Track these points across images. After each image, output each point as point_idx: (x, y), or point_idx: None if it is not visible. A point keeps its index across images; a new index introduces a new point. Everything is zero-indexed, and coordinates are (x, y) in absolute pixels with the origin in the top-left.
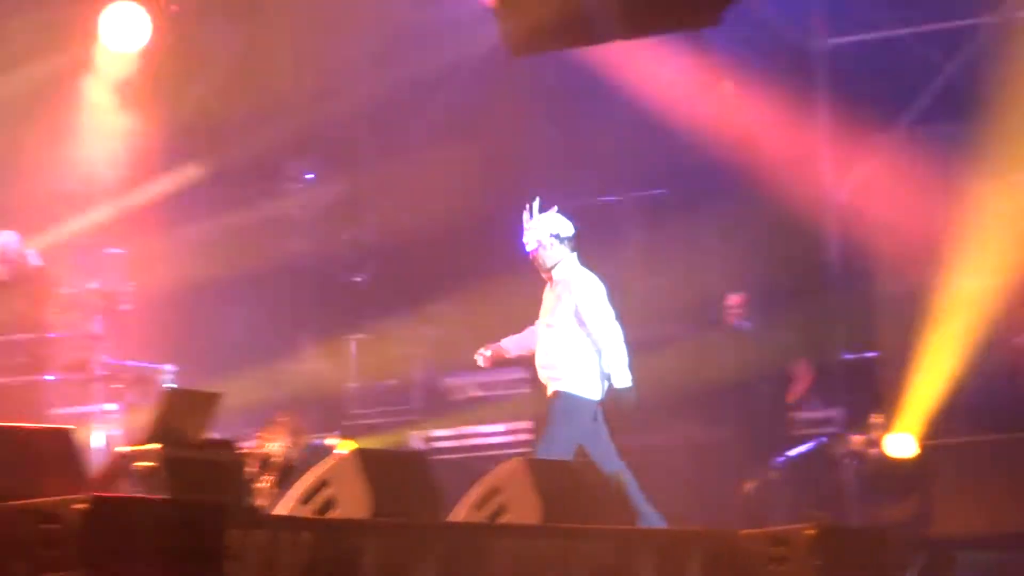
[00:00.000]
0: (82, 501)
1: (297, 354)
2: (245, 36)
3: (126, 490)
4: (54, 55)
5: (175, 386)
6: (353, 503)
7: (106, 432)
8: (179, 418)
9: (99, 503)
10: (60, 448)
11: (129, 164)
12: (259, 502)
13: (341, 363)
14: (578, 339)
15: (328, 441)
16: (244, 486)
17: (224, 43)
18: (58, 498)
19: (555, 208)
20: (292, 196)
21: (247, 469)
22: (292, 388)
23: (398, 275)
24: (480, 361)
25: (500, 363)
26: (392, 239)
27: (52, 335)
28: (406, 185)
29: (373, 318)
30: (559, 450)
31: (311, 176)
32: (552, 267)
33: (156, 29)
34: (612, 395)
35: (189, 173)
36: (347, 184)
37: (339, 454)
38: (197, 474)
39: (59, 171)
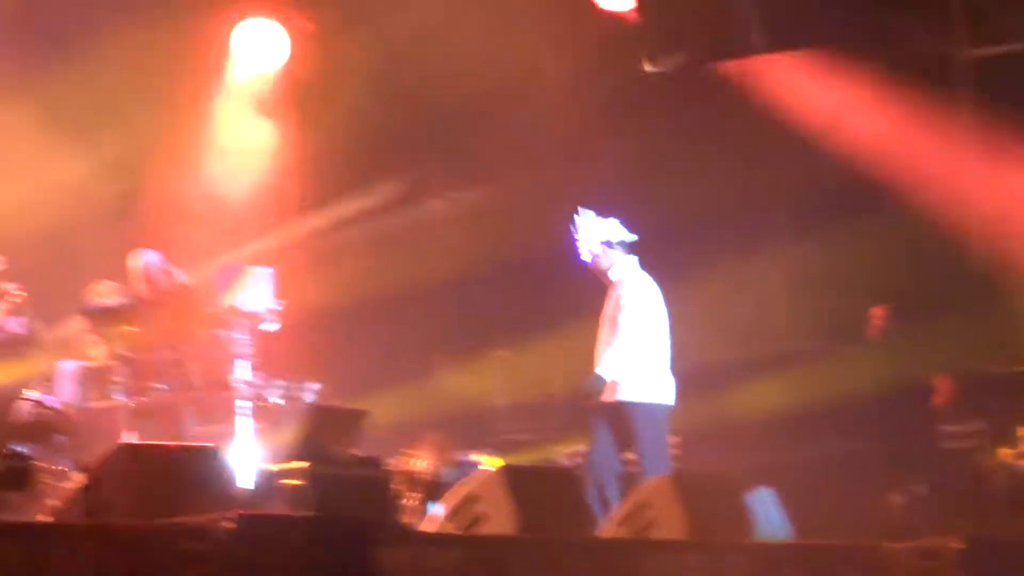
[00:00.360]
0: (229, 519)
1: (442, 371)
2: (383, 52)
3: (273, 508)
4: (189, 73)
5: (321, 404)
6: (500, 519)
7: (252, 450)
8: (325, 436)
9: (246, 521)
10: (207, 466)
11: (269, 183)
12: (406, 519)
13: (487, 380)
14: (634, 344)
15: (474, 458)
16: (391, 503)
17: (362, 59)
18: (205, 516)
19: (598, 215)
20: (436, 212)
21: (394, 486)
22: (438, 405)
23: (542, 291)
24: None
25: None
26: (535, 255)
27: (197, 352)
28: (547, 200)
29: (518, 335)
30: (654, 459)
31: (454, 193)
32: (608, 272)
33: (293, 46)
34: (585, 377)
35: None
36: (490, 199)
37: (486, 471)
38: (344, 491)
39: (198, 190)
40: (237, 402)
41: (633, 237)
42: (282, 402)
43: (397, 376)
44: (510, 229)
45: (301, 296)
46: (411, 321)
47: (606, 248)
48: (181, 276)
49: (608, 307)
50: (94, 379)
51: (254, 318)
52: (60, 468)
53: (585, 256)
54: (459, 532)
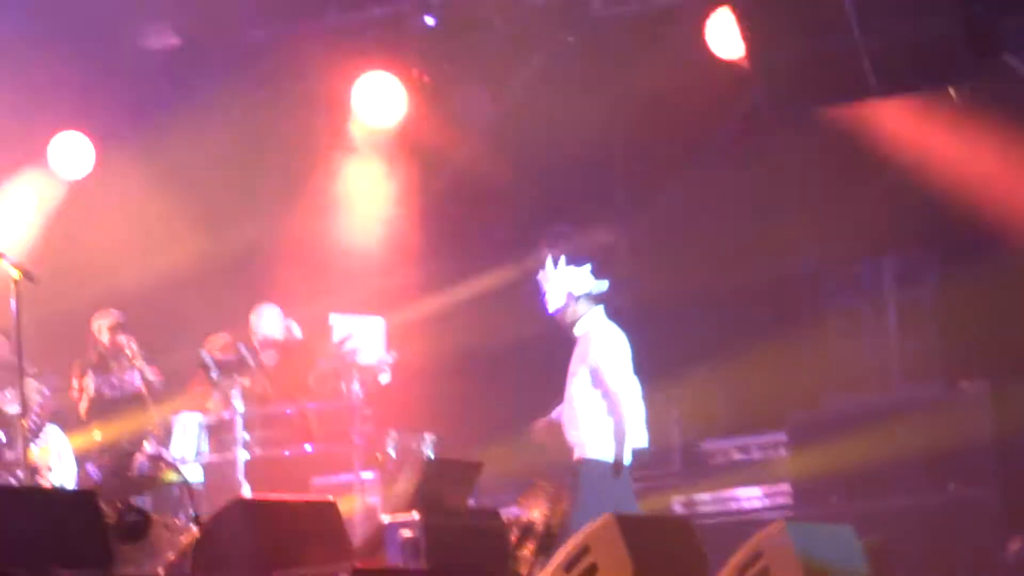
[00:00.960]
0: (344, 572)
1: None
2: (498, 102)
3: (388, 560)
4: (309, 128)
5: (435, 455)
6: (615, 569)
7: (367, 501)
8: (440, 487)
9: (360, 573)
10: (324, 519)
11: (388, 236)
12: (522, 570)
13: None
14: (595, 400)
15: None
16: (507, 554)
17: (477, 110)
18: (320, 569)
19: (567, 261)
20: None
21: (509, 537)
22: (551, 455)
23: (653, 340)
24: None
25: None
26: (648, 304)
27: (313, 406)
28: (662, 248)
29: None
30: (589, 518)
31: (567, 241)
32: (573, 325)
33: (411, 100)
34: (635, 455)
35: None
36: (602, 248)
37: (600, 521)
38: (459, 542)
39: (320, 244)
40: (354, 454)
41: (603, 286)
42: (397, 454)
43: (511, 427)
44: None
45: (416, 349)
46: (526, 372)
47: (571, 300)
48: (297, 330)
49: (573, 362)
50: (212, 432)
51: (369, 370)
52: (177, 522)
53: (552, 306)
54: None
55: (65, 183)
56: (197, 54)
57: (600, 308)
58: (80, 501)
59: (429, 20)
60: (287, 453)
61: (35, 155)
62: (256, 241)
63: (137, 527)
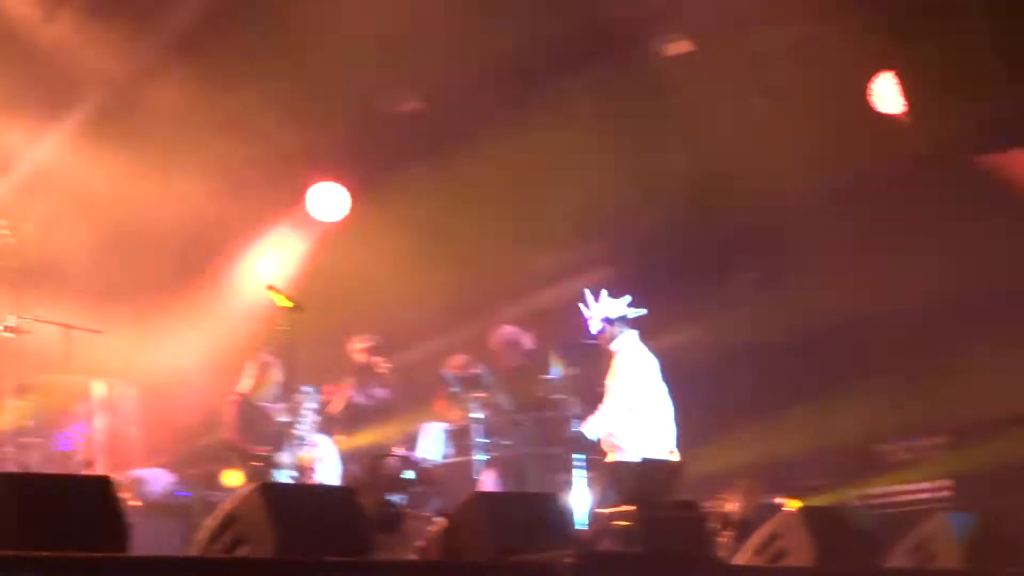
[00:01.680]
0: (570, 556)
1: (749, 425)
2: (691, 164)
3: (608, 546)
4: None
5: (648, 457)
6: (800, 553)
7: (587, 496)
8: (652, 483)
9: (586, 558)
10: (549, 511)
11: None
12: (721, 554)
13: (788, 433)
14: (625, 411)
15: (778, 501)
16: (709, 540)
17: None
18: (549, 554)
19: (606, 293)
20: (739, 291)
21: (710, 525)
22: (747, 455)
23: (833, 356)
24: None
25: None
26: (828, 323)
27: (539, 414)
28: (844, 277)
29: (813, 392)
30: None
31: (754, 275)
32: (609, 345)
33: None
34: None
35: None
36: (788, 276)
37: (788, 512)
38: (668, 530)
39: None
40: (573, 455)
41: (638, 313)
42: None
43: (713, 430)
44: (806, 302)
45: None
46: (725, 382)
47: (607, 324)
48: (531, 344)
49: (608, 377)
50: (453, 437)
51: (589, 381)
52: (425, 514)
53: (592, 330)
54: (766, 564)
55: (322, 226)
56: (438, 117)
57: (635, 332)
58: (344, 497)
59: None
60: (517, 455)
61: (296, 202)
62: (485, 275)
63: (392, 519)
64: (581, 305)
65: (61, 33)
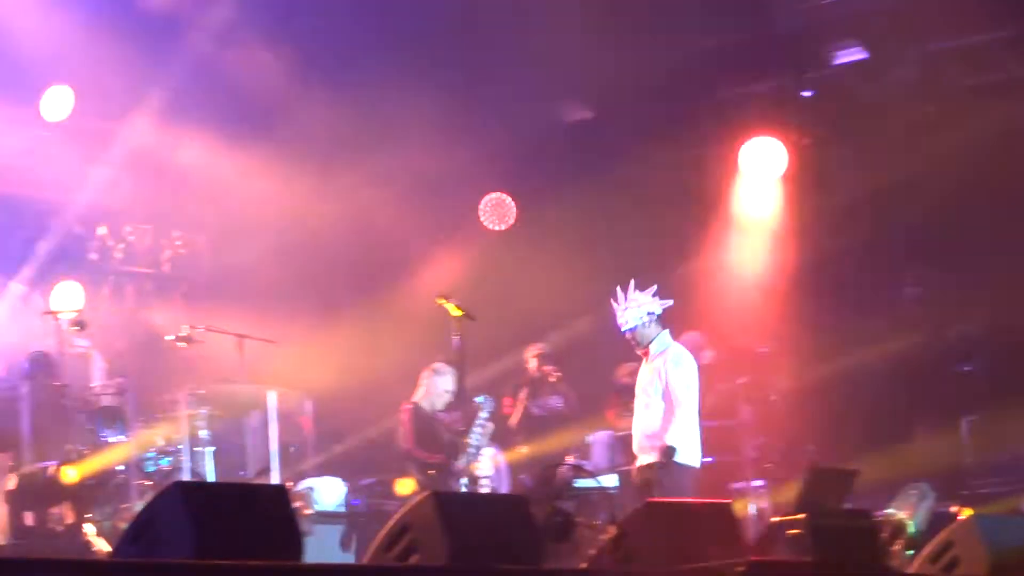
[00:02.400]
0: (741, 564)
1: (917, 433)
2: (859, 162)
3: (778, 555)
4: (703, 189)
5: (818, 464)
6: (974, 562)
7: (757, 504)
8: (822, 491)
9: (756, 566)
10: (722, 519)
11: (762, 279)
12: (893, 564)
13: (957, 441)
14: (671, 412)
15: (952, 509)
16: (880, 549)
17: (842, 170)
18: (721, 562)
19: (650, 289)
20: (907, 300)
21: (882, 534)
22: (920, 463)
23: (1005, 364)
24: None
25: None
26: (998, 332)
27: (712, 423)
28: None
29: (986, 401)
30: None
31: (918, 289)
32: (648, 344)
33: (790, 159)
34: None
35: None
36: (956, 284)
37: (961, 520)
38: (839, 539)
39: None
40: (747, 464)
41: (667, 305)
42: (783, 463)
43: (884, 438)
44: (981, 310)
45: (797, 371)
46: (892, 390)
47: (650, 320)
48: (708, 357)
49: (646, 377)
50: (622, 446)
51: (760, 391)
52: (596, 522)
53: (627, 325)
54: (939, 573)
55: (493, 235)
56: (604, 125)
57: (667, 330)
58: (515, 505)
59: (806, 93)
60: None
61: (467, 213)
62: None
63: (563, 528)
64: (612, 301)
65: (232, 53)
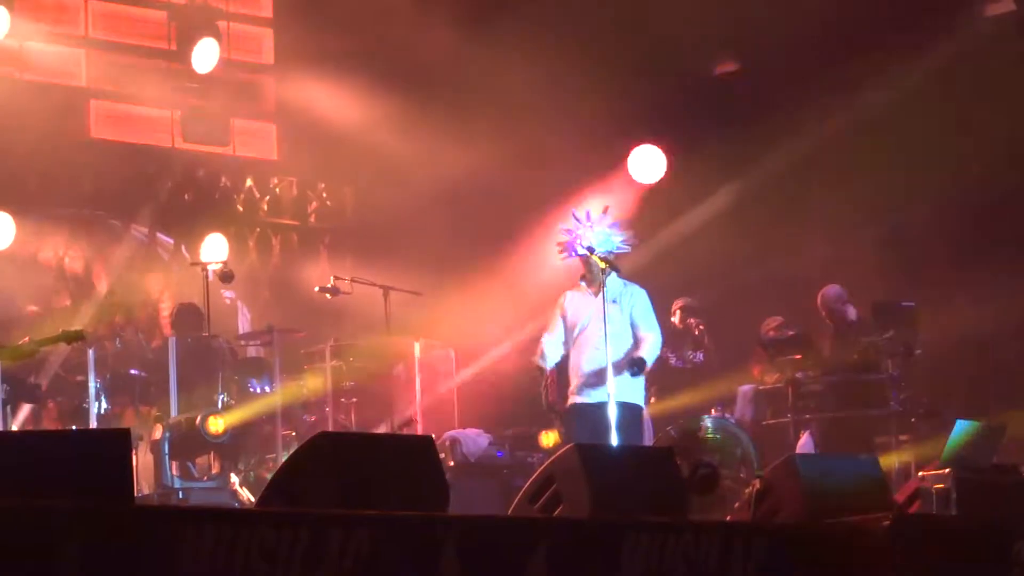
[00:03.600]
0: (887, 518)
1: None
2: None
3: (924, 509)
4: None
5: (969, 421)
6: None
7: (902, 459)
8: (970, 446)
9: (901, 520)
10: (867, 474)
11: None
12: None
13: None
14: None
15: None
16: None
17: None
18: (865, 516)
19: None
20: None
21: None
22: None
23: None
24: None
25: None
26: None
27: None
28: None
29: None
30: None
31: None
32: (604, 276)
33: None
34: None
35: None
36: None
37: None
38: (984, 494)
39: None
40: (891, 419)
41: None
42: (929, 418)
43: None
44: None
45: (943, 328)
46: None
47: (608, 255)
48: (853, 312)
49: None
50: (766, 400)
51: (906, 346)
52: (741, 475)
53: (581, 250)
54: None
55: (641, 188)
56: (753, 78)
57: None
58: (660, 458)
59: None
60: (858, 415)
61: (614, 166)
62: (794, 239)
63: (707, 480)
64: (579, 217)
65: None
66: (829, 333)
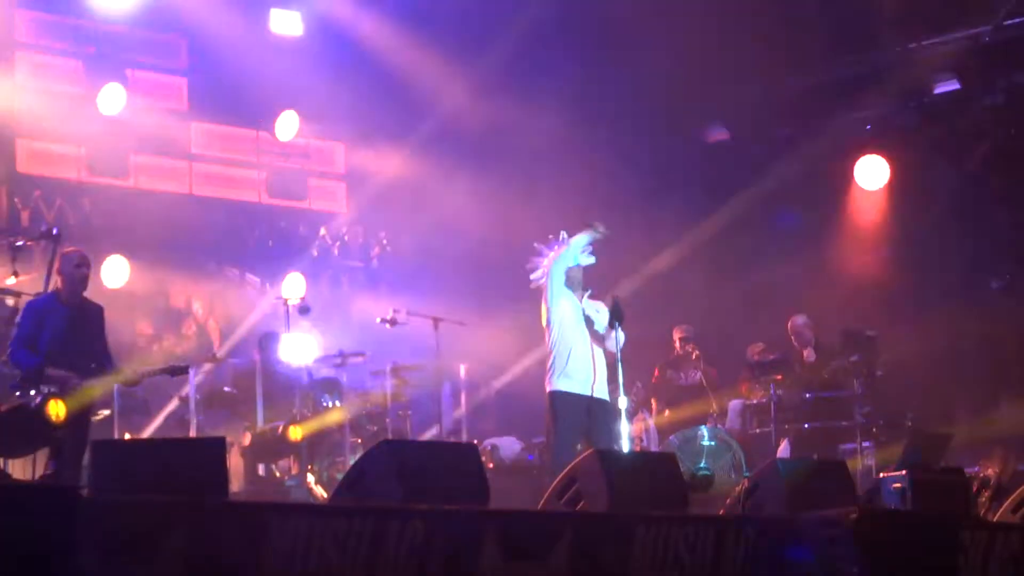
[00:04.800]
0: (853, 512)
1: (1002, 403)
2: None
3: (884, 505)
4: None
5: (918, 428)
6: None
7: (865, 462)
8: (922, 451)
9: (865, 514)
10: (837, 474)
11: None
12: (981, 513)
13: None
14: None
15: None
16: (969, 501)
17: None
18: (836, 510)
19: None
20: (994, 291)
21: (971, 488)
22: (1004, 429)
23: None
24: None
25: None
26: None
27: (829, 394)
28: None
29: None
30: None
31: (1003, 281)
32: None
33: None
34: None
35: None
36: None
37: None
38: (934, 491)
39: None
40: (857, 429)
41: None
42: (888, 429)
43: (975, 405)
44: None
45: (899, 352)
46: (984, 363)
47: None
48: (810, 335)
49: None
50: (753, 413)
51: (869, 367)
52: (732, 476)
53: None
54: (1021, 520)
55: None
56: (741, 145)
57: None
58: (665, 462)
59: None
60: (829, 427)
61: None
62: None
63: (704, 480)
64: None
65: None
66: (797, 356)
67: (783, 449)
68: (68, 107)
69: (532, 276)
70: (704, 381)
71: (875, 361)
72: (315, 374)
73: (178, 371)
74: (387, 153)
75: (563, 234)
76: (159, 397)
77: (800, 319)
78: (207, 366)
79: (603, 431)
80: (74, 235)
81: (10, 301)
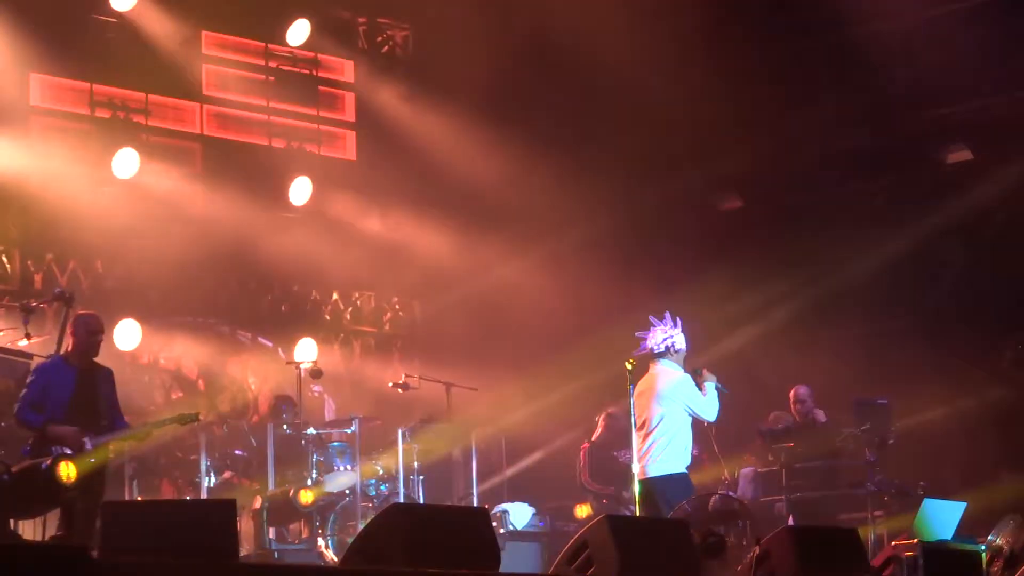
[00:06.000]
0: None
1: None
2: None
3: (896, 574)
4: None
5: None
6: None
7: (877, 531)
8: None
9: None
10: (847, 542)
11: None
12: None
13: None
14: None
15: None
16: (982, 571)
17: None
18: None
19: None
20: (1006, 362)
21: (984, 557)
22: (1015, 498)
23: None
24: None
25: None
26: None
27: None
28: None
29: None
30: None
31: (1015, 352)
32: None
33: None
34: None
35: None
36: None
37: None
38: (947, 562)
39: None
40: (868, 498)
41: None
42: (899, 496)
43: (985, 476)
44: None
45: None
46: (988, 436)
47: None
48: (818, 413)
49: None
50: (763, 480)
51: (881, 436)
52: (743, 543)
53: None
54: None
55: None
56: (753, 212)
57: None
58: (677, 528)
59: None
60: (821, 496)
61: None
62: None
63: (716, 547)
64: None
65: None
66: (807, 422)
67: (793, 517)
68: (81, 170)
69: (650, 344)
70: (704, 454)
71: (887, 430)
72: (326, 438)
73: (187, 419)
74: (397, 222)
75: (667, 314)
76: (172, 461)
77: (803, 389)
78: (218, 429)
79: None
80: (87, 298)
81: (22, 362)
